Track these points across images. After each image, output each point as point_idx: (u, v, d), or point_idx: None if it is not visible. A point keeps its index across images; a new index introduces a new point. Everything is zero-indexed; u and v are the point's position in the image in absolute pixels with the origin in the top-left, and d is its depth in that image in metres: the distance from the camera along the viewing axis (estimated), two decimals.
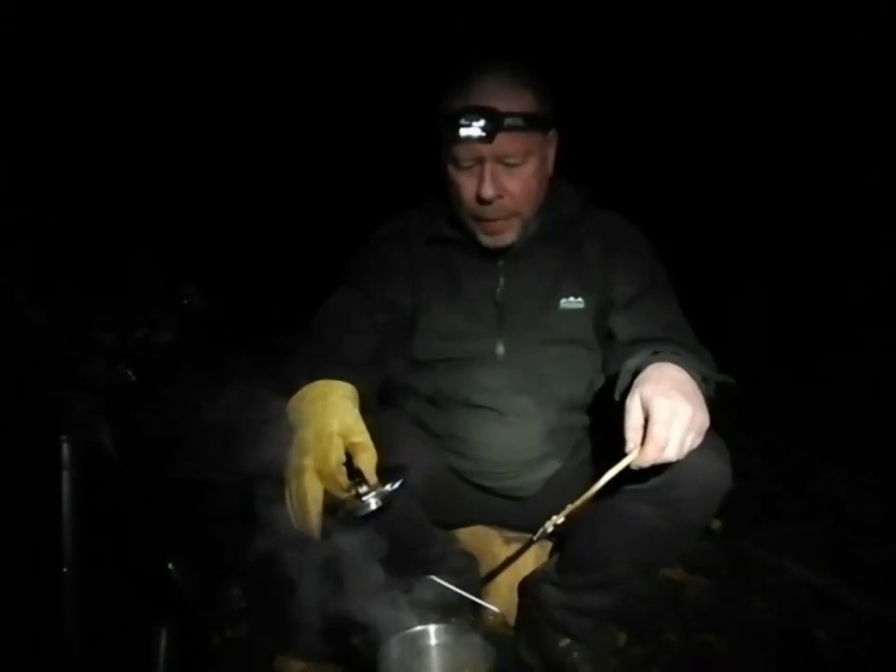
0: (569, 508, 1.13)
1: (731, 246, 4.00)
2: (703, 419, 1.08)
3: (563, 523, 1.15)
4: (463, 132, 1.27)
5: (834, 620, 1.63)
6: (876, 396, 2.86)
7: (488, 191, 1.31)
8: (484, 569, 1.55)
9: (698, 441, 1.09)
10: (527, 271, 1.43)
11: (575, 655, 1.40)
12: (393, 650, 1.14)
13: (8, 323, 0.96)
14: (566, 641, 1.41)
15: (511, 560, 1.45)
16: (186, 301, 1.07)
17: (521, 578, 1.52)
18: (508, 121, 1.28)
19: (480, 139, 1.28)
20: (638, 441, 1.07)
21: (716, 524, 1.97)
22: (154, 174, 3.96)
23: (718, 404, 1.24)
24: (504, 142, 1.29)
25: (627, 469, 1.09)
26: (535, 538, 1.19)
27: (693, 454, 1.14)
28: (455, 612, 1.31)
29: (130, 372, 1.02)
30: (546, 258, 1.44)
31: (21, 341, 0.98)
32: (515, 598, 1.53)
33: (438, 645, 1.19)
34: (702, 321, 1.39)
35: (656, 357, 1.17)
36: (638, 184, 3.63)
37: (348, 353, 1.31)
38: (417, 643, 1.18)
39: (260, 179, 4.42)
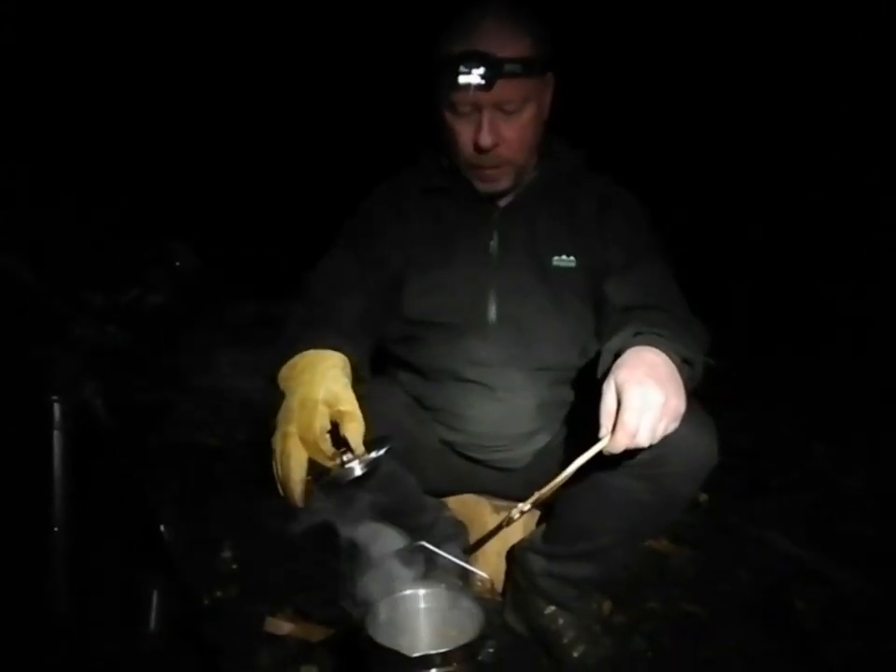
0: (537, 495, 1.12)
1: (726, 224, 3.99)
2: (677, 405, 1.07)
3: (529, 509, 1.14)
4: (462, 79, 1.24)
5: (815, 591, 1.66)
6: (865, 375, 2.88)
7: (486, 140, 1.28)
8: (474, 537, 1.57)
9: (673, 426, 1.08)
10: (521, 225, 1.42)
11: (560, 622, 1.42)
12: (381, 612, 1.16)
13: None
14: (551, 608, 1.43)
15: (486, 538, 1.45)
16: (178, 263, 1.05)
17: (509, 546, 1.54)
18: (507, 68, 1.24)
19: (478, 87, 1.24)
20: (610, 427, 1.06)
21: (702, 497, 1.99)
22: (151, 134, 3.89)
23: (707, 380, 1.25)
24: (503, 89, 1.26)
25: (601, 453, 1.08)
26: (504, 524, 1.20)
27: (680, 430, 1.13)
28: (444, 578, 1.32)
29: (120, 333, 1.01)
30: (541, 213, 1.42)
31: (9, 299, 0.97)
32: (503, 566, 1.56)
33: (426, 609, 1.21)
34: (694, 297, 1.38)
35: (638, 339, 1.16)
36: (635, 154, 3.60)
37: (340, 318, 1.30)
38: (406, 606, 1.20)
39: (258, 142, 4.35)
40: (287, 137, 4.38)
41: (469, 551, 1.46)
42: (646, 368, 1.07)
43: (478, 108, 1.28)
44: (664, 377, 1.07)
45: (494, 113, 1.28)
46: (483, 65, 1.23)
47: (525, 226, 1.41)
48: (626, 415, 1.04)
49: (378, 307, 1.39)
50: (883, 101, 3.66)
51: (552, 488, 1.11)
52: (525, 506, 1.12)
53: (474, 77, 1.24)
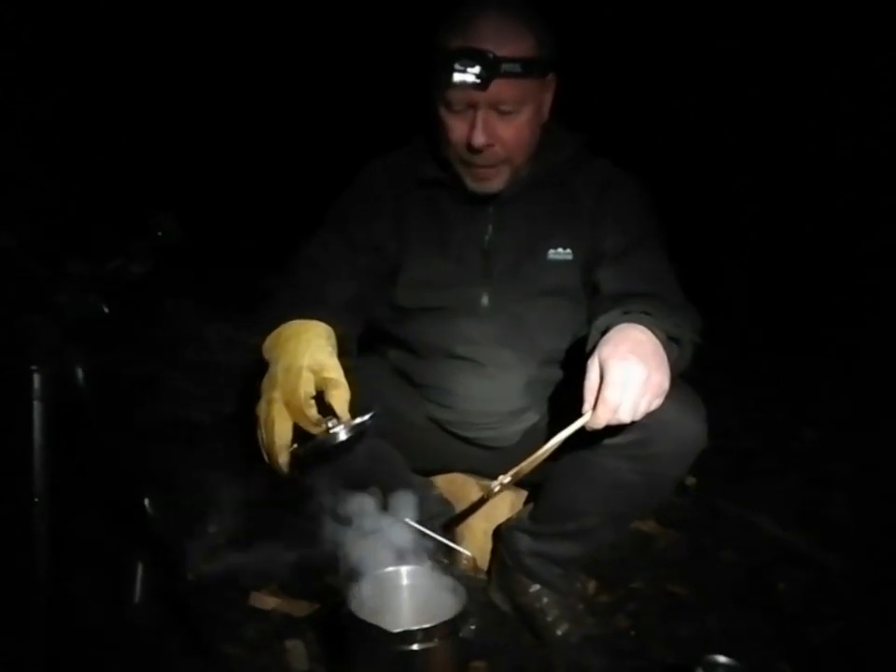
0: (518, 468, 1.12)
1: (723, 211, 3.97)
2: (660, 381, 1.07)
3: (509, 481, 1.14)
4: (457, 77, 1.20)
5: (799, 574, 1.67)
6: (856, 362, 2.89)
7: (479, 139, 1.25)
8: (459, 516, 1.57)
9: (657, 402, 1.08)
10: (517, 219, 1.40)
11: (544, 600, 1.43)
12: (365, 588, 1.16)
13: None
14: (535, 587, 1.43)
15: (468, 513, 1.46)
16: (160, 233, 1.03)
17: (495, 524, 1.54)
18: (505, 67, 1.20)
19: (474, 86, 1.20)
20: (593, 402, 1.06)
21: (690, 479, 2.00)
22: (137, 103, 3.83)
23: (698, 365, 1.24)
24: (499, 89, 1.22)
25: (584, 429, 1.08)
26: (485, 496, 1.20)
27: (670, 411, 1.14)
28: (428, 555, 1.32)
29: (101, 303, 0.99)
30: (536, 206, 1.40)
31: None
32: (489, 544, 1.56)
33: (409, 585, 1.21)
34: (690, 284, 1.37)
35: (625, 317, 1.15)
36: (635, 137, 3.56)
37: (327, 296, 1.29)
38: (389, 583, 1.20)
39: (249, 117, 4.29)
40: (277, 106, 4.31)
41: (450, 525, 1.46)
42: (629, 344, 1.07)
43: (472, 107, 1.25)
44: (647, 353, 1.07)
45: (489, 112, 1.25)
46: (480, 64, 1.19)
47: (520, 219, 1.39)
48: (608, 391, 1.04)
49: (367, 291, 1.38)
50: (883, 89, 3.63)
51: (532, 462, 1.11)
52: (506, 478, 1.12)
53: (469, 75, 1.19)
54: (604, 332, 1.13)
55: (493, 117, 1.26)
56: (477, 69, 1.19)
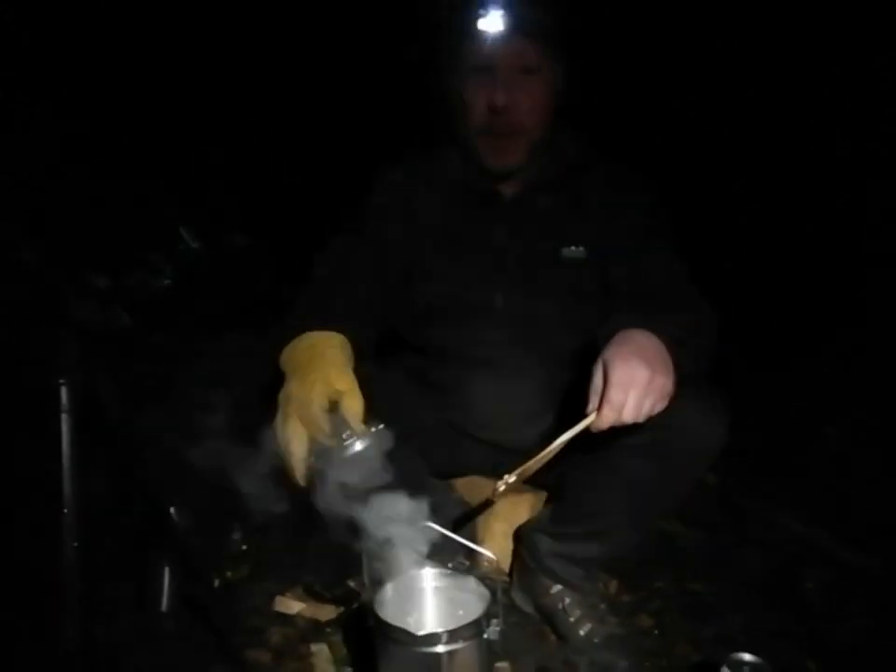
0: (523, 467, 1.12)
1: (723, 211, 3.95)
2: (663, 383, 1.07)
3: (514, 481, 1.14)
4: (482, 23, 1.26)
5: (823, 573, 1.66)
6: (877, 358, 2.85)
7: (501, 98, 1.29)
8: (480, 518, 1.57)
9: (661, 404, 1.08)
10: (528, 219, 1.41)
11: (567, 601, 1.43)
12: (389, 591, 1.16)
13: (1, 263, 0.94)
14: (557, 587, 1.44)
15: (475, 512, 1.46)
16: (182, 246, 1.05)
17: (515, 526, 1.54)
18: (527, 21, 1.27)
19: (498, 36, 1.26)
20: (597, 403, 1.07)
21: (712, 478, 1.99)
22: (157, 118, 3.88)
23: (718, 362, 1.24)
24: (521, 45, 1.27)
25: (597, 431, 1.09)
26: (491, 496, 1.20)
27: (689, 410, 1.14)
28: (451, 558, 1.33)
29: (125, 316, 1.01)
30: (547, 206, 1.41)
31: (15, 281, 0.97)
32: (510, 546, 1.56)
33: (433, 588, 1.21)
34: (702, 281, 1.37)
35: (631, 320, 1.16)
36: (636, 137, 3.56)
37: (345, 302, 1.30)
38: (413, 586, 1.20)
39: (266, 129, 4.33)
40: (294, 116, 4.34)
41: (458, 525, 1.46)
42: (633, 346, 1.09)
43: (492, 71, 1.29)
44: (651, 356, 1.08)
45: (511, 72, 1.29)
46: (503, 9, 1.25)
47: (532, 220, 1.41)
48: (611, 391, 1.05)
49: (383, 295, 1.40)
50: (883, 89, 3.60)
51: (538, 461, 1.12)
52: (511, 478, 1.13)
53: (493, 18, 1.25)
54: (610, 337, 1.14)
55: (514, 79, 1.29)
56: (500, 12, 1.26)
